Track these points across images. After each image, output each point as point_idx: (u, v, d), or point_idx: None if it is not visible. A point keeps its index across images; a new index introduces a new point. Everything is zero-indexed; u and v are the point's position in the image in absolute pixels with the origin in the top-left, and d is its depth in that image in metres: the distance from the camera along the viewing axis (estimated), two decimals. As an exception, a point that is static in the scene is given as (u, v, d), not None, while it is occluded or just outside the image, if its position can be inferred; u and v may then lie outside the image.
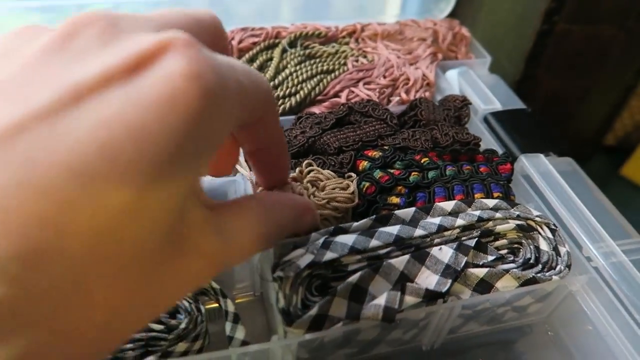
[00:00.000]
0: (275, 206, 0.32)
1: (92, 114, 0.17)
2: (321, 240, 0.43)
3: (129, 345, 0.38)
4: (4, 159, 0.16)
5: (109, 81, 0.18)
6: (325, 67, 0.64)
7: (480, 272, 0.43)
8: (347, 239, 0.43)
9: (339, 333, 0.39)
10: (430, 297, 0.41)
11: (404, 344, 0.45)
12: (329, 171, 0.51)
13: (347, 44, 0.70)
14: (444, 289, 0.41)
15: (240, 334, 0.40)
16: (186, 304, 0.41)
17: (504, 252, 0.46)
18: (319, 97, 0.62)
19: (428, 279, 0.42)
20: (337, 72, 0.64)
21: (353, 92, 0.62)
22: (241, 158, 0.51)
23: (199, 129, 0.20)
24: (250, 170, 0.50)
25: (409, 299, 0.40)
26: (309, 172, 0.50)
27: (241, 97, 0.24)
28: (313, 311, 0.39)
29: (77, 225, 0.16)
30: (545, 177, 0.52)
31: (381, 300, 0.39)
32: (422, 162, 0.51)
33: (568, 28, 0.74)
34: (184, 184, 0.20)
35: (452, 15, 0.82)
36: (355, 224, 0.44)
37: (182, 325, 0.39)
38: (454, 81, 0.65)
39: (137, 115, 0.17)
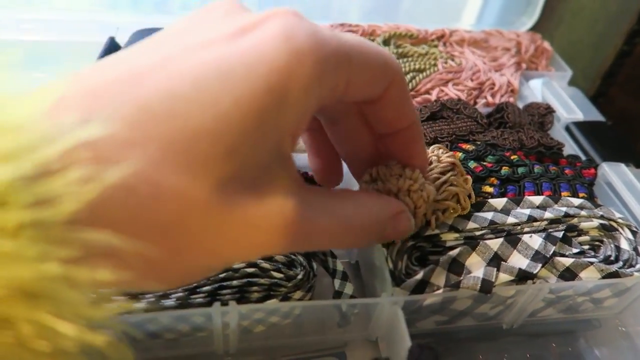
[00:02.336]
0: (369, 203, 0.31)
1: (195, 59, 0.22)
2: (423, 217, 0.47)
3: (255, 288, 0.44)
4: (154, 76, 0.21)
5: (219, 40, 0.22)
6: (417, 66, 0.69)
7: (567, 261, 0.47)
8: (447, 219, 0.47)
9: (439, 298, 0.44)
10: (522, 276, 0.45)
11: (487, 319, 0.49)
12: None
13: (435, 46, 0.74)
14: (535, 271, 0.45)
15: (349, 289, 0.45)
16: (301, 259, 0.46)
17: (585, 247, 0.50)
18: (412, 93, 0.66)
19: (519, 261, 0.46)
20: (428, 72, 0.69)
21: (443, 90, 0.67)
22: None
23: (286, 87, 0.22)
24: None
25: (503, 276, 0.44)
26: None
27: (346, 62, 0.25)
28: (419, 276, 0.43)
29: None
30: (627, 185, 0.55)
31: (479, 274, 0.44)
32: (511, 158, 0.55)
33: (648, 50, 0.77)
34: (265, 139, 0.23)
35: (532, 29, 0.85)
36: (453, 206, 0.49)
37: (300, 276, 0.44)
38: (537, 90, 0.69)
39: (227, 64, 0.21)
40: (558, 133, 0.63)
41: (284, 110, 0.23)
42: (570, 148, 0.61)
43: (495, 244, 0.46)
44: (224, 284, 0.43)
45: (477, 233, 0.47)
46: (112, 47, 0.65)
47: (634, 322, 0.51)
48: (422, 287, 0.44)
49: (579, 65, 0.84)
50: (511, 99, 0.68)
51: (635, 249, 0.49)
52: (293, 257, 0.46)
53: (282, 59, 0.22)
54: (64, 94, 0.20)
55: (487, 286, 0.43)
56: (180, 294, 0.42)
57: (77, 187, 0.17)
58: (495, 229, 0.48)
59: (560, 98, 0.68)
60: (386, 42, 0.72)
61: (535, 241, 0.47)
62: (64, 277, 0.17)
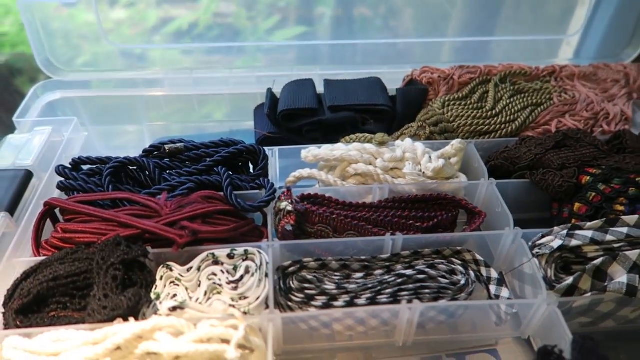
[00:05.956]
0: None
1: None
2: (565, 232, 0.55)
3: (426, 291, 0.53)
4: None
5: None
6: (534, 100, 0.77)
7: (702, 269, 0.52)
8: (587, 233, 0.55)
9: (587, 300, 0.51)
10: (661, 283, 0.51)
11: (627, 322, 0.55)
12: None
13: (548, 82, 0.82)
14: (674, 278, 0.51)
15: (505, 293, 0.54)
16: (461, 268, 0.55)
17: None
18: (532, 125, 0.75)
19: (657, 270, 0.52)
20: (545, 105, 0.77)
21: (561, 122, 0.74)
22: (313, 171, 0.65)
23: None
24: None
25: (644, 282, 0.51)
26: None
27: None
28: (569, 281, 0.51)
29: None
30: None
31: (624, 279, 0.51)
32: (636, 180, 0.62)
33: None
34: None
35: (638, 60, 0.91)
36: (589, 223, 0.56)
37: (462, 282, 0.53)
38: (651, 117, 0.75)
39: None
40: (677, 156, 0.68)
41: None
42: (690, 170, 0.66)
43: (633, 254, 0.53)
44: (402, 287, 0.53)
45: (615, 245, 0.54)
46: (272, 96, 0.78)
47: None
48: (571, 291, 0.51)
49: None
50: (626, 127, 0.74)
51: None
52: (453, 266, 0.55)
53: None
54: None
55: (632, 290, 0.50)
56: (369, 295, 0.52)
57: None
58: (631, 241, 0.55)
59: (675, 124, 0.73)
60: (502, 80, 0.81)
61: (670, 252, 0.53)
62: None
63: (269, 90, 0.80)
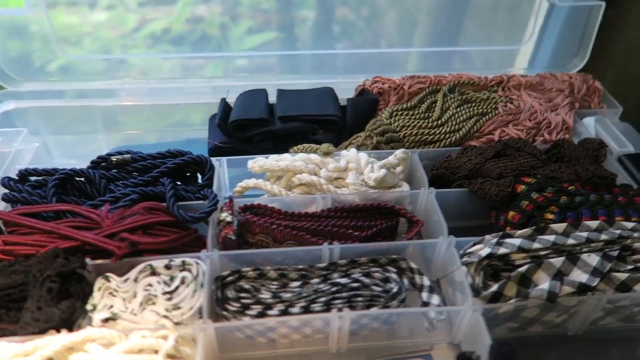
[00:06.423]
0: None
1: None
2: (494, 240, 0.57)
3: (360, 299, 0.55)
4: None
5: None
6: (480, 110, 0.79)
7: (622, 276, 0.55)
8: (515, 241, 0.57)
9: (512, 307, 0.53)
10: (582, 289, 0.54)
11: (554, 327, 0.57)
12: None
13: (495, 91, 0.84)
14: (594, 284, 0.54)
15: (435, 300, 0.56)
16: (395, 276, 0.57)
17: (639, 264, 0.58)
18: (476, 134, 0.77)
19: (580, 277, 0.54)
20: (490, 115, 0.79)
21: (504, 131, 0.77)
22: (259, 181, 0.67)
23: None
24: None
25: (566, 288, 0.53)
26: None
27: None
28: (494, 288, 0.53)
29: None
30: (676, 209, 0.62)
31: (545, 286, 0.53)
32: (569, 189, 0.64)
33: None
34: None
35: (583, 69, 0.94)
36: (519, 231, 0.58)
37: (395, 290, 0.55)
38: (590, 127, 0.78)
39: None
40: (611, 165, 0.71)
41: None
42: (623, 178, 0.69)
43: (558, 262, 0.55)
44: (336, 295, 0.54)
45: (542, 253, 0.57)
46: (225, 106, 0.80)
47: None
48: (496, 297, 0.54)
49: (631, 100, 0.91)
50: (567, 136, 0.77)
51: (685, 266, 0.57)
52: (387, 274, 0.57)
53: None
54: None
55: (552, 296, 0.52)
56: (303, 304, 0.54)
57: None
58: (557, 249, 0.57)
59: (612, 133, 0.76)
60: (451, 90, 0.83)
61: (593, 259, 0.55)
62: None
63: (223, 100, 0.81)
